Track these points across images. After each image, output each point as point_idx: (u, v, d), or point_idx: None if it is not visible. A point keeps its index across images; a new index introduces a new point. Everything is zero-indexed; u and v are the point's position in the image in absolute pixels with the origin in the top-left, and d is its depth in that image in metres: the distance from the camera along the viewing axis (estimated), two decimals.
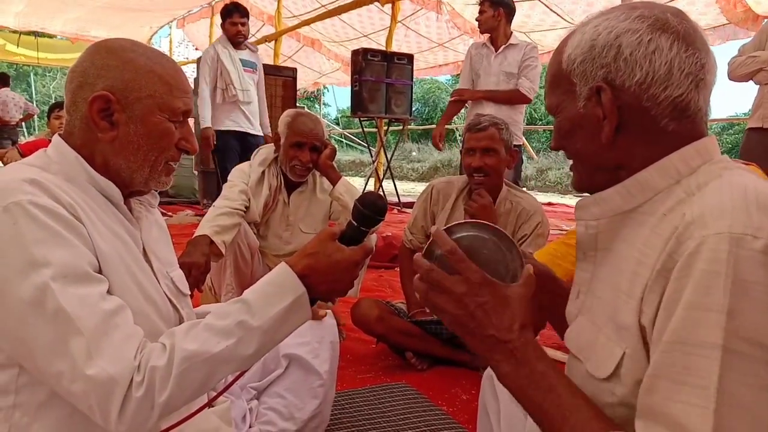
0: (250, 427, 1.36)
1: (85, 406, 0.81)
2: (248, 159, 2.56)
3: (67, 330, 0.81)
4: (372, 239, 0.94)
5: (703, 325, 0.61)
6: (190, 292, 1.14)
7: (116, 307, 0.86)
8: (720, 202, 0.66)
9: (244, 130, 4.78)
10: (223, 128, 4.74)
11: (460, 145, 2.37)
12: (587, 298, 0.85)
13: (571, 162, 0.87)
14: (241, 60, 4.79)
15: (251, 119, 4.84)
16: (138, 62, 0.97)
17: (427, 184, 2.63)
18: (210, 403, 1.00)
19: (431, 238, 0.79)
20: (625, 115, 0.76)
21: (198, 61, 4.62)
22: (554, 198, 10.87)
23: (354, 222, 1.01)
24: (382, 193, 2.49)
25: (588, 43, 0.78)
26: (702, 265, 0.62)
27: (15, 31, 13.00)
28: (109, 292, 0.88)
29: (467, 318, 0.75)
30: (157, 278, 1.03)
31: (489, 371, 1.20)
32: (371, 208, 1.01)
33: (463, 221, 0.83)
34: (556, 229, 5.58)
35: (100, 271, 0.89)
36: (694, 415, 0.60)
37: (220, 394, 1.02)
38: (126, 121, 0.96)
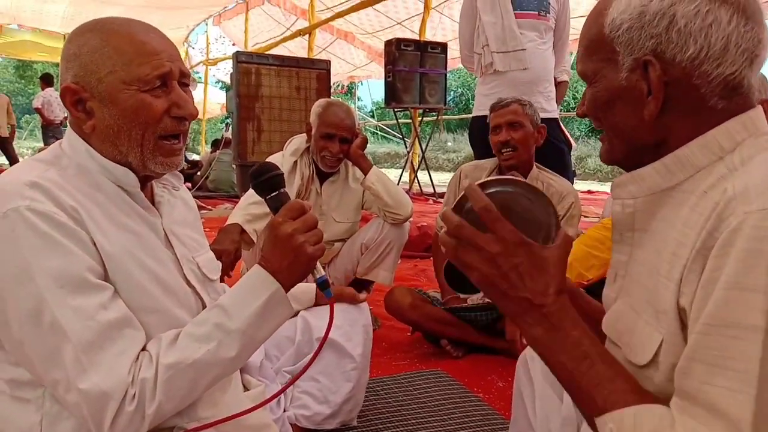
0: (284, 411, 1.38)
1: (79, 415, 0.83)
2: None
3: (62, 343, 0.81)
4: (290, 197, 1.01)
5: (743, 306, 0.58)
6: (218, 277, 1.13)
7: (116, 317, 0.85)
8: (765, 176, 0.62)
9: None
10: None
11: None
12: (625, 282, 0.81)
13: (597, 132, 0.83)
14: None
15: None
16: (92, 42, 0.91)
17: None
18: (257, 408, 1.00)
19: (462, 193, 0.75)
20: (672, 92, 0.71)
21: None
22: (594, 186, 10.65)
23: (263, 197, 1.02)
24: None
25: (637, 9, 0.71)
26: (744, 244, 0.59)
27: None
28: (117, 293, 0.88)
29: (500, 279, 0.71)
30: (180, 265, 1.01)
31: (523, 356, 1.18)
32: (258, 175, 1.02)
33: (496, 177, 0.78)
34: (595, 217, 5.46)
35: (105, 275, 0.88)
36: (733, 400, 0.58)
37: (275, 396, 1.02)
38: (99, 106, 0.92)
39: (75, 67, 0.91)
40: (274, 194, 1.01)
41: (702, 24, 0.68)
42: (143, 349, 0.87)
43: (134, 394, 0.82)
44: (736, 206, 0.61)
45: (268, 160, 2.52)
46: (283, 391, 1.00)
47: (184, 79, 0.97)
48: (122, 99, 0.91)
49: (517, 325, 0.74)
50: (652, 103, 0.71)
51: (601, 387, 0.67)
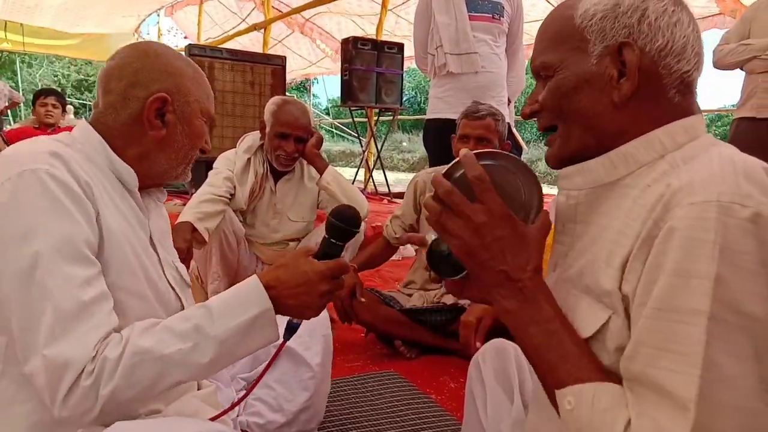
0: (237, 415, 1.34)
1: (37, 383, 0.82)
2: None
3: (43, 306, 0.82)
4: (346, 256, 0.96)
5: (689, 292, 0.61)
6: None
7: (96, 295, 0.86)
8: (709, 171, 0.66)
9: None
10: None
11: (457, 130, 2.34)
12: (564, 270, 0.84)
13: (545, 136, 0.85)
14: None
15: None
16: (186, 70, 1.06)
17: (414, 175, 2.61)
18: (226, 411, 1.02)
19: (456, 159, 0.75)
20: (641, 78, 0.75)
21: None
22: (544, 189, 10.88)
23: (327, 236, 0.99)
24: (360, 201, 2.44)
25: (612, 1, 0.76)
26: (688, 232, 0.62)
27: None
28: (104, 272, 0.90)
29: (481, 249, 0.73)
30: (162, 267, 1.06)
31: (476, 358, 1.19)
32: (345, 221, 0.99)
33: (492, 150, 0.78)
34: None
35: (99, 254, 0.90)
36: (677, 381, 0.60)
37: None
38: (175, 121, 1.04)
39: (168, 82, 1.03)
40: (340, 243, 1.00)
41: (669, 21, 0.75)
42: (116, 331, 0.87)
43: (93, 370, 0.81)
44: (681, 198, 0.64)
45: (221, 156, 2.47)
46: (237, 404, 0.99)
47: None
48: (196, 125, 1.08)
49: (489, 296, 0.76)
50: (625, 85, 0.75)
51: (566, 362, 0.70)
